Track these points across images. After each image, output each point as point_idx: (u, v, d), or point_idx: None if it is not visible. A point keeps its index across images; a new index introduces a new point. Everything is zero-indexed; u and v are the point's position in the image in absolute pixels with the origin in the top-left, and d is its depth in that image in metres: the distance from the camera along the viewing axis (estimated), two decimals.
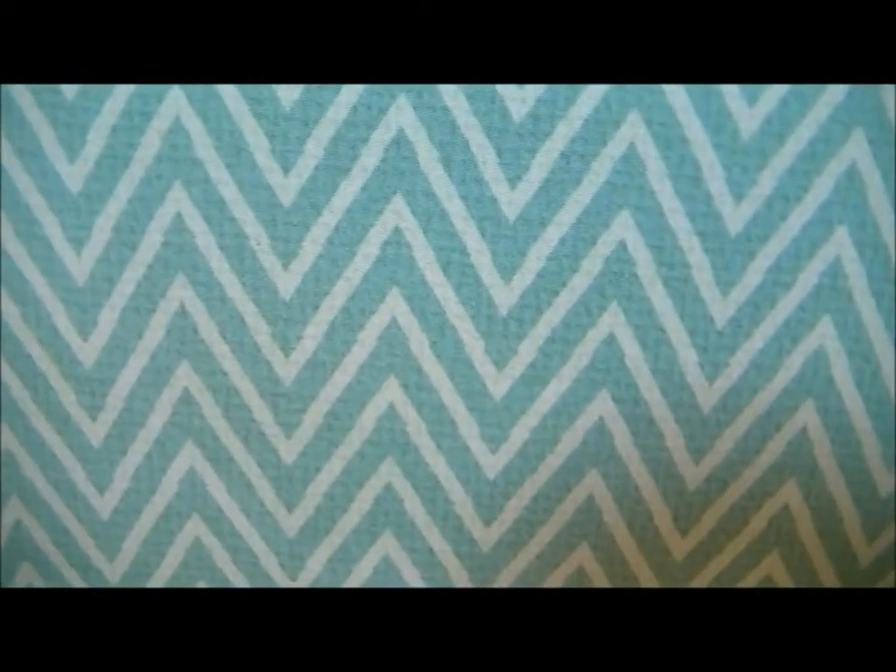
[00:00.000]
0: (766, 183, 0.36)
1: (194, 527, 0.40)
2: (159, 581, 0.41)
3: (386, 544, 0.40)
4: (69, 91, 0.36)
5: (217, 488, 0.40)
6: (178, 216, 0.37)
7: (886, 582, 0.40)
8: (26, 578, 0.42)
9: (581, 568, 0.40)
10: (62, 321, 0.38)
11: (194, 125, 0.36)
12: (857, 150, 0.36)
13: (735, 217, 0.36)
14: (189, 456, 0.39)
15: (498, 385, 0.38)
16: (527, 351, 0.38)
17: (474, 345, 0.38)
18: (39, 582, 0.42)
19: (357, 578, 0.41)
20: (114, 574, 0.41)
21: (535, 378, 0.38)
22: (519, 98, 0.36)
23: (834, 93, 0.35)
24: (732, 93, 0.35)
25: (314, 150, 0.36)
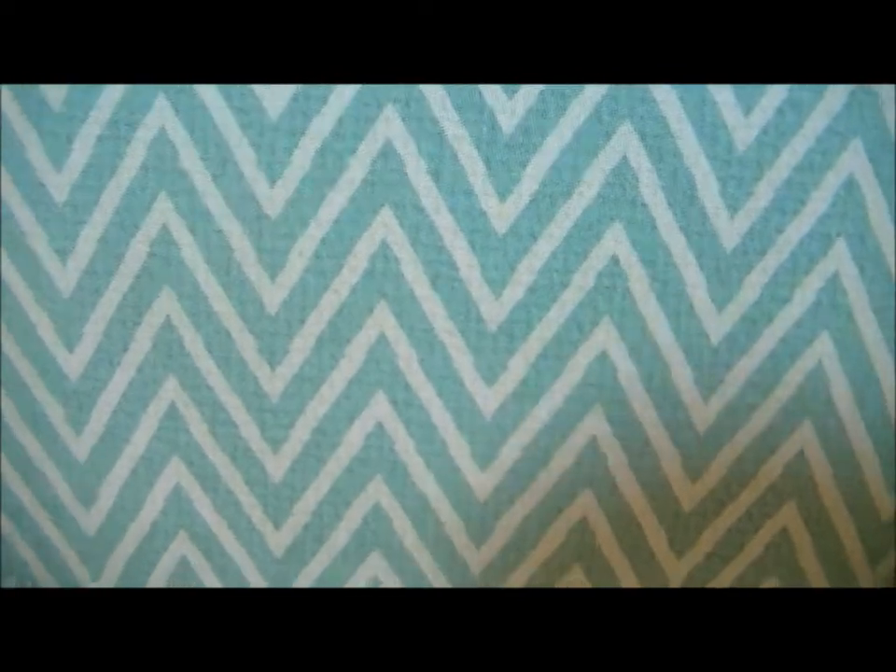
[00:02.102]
0: (762, 195, 0.35)
1: (181, 545, 0.40)
2: None
3: (375, 565, 0.39)
4: (55, 101, 0.36)
5: (203, 505, 0.39)
6: (164, 227, 0.36)
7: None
8: None
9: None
10: (47, 333, 0.38)
11: (179, 136, 0.36)
12: (855, 161, 0.35)
13: (731, 230, 0.35)
14: (175, 473, 0.39)
15: (488, 401, 0.37)
16: (518, 367, 0.37)
17: (463, 361, 0.37)
18: None
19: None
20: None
21: (526, 395, 0.37)
22: (509, 110, 0.35)
23: (831, 102, 0.34)
24: (727, 103, 0.35)
25: (300, 161, 0.36)
